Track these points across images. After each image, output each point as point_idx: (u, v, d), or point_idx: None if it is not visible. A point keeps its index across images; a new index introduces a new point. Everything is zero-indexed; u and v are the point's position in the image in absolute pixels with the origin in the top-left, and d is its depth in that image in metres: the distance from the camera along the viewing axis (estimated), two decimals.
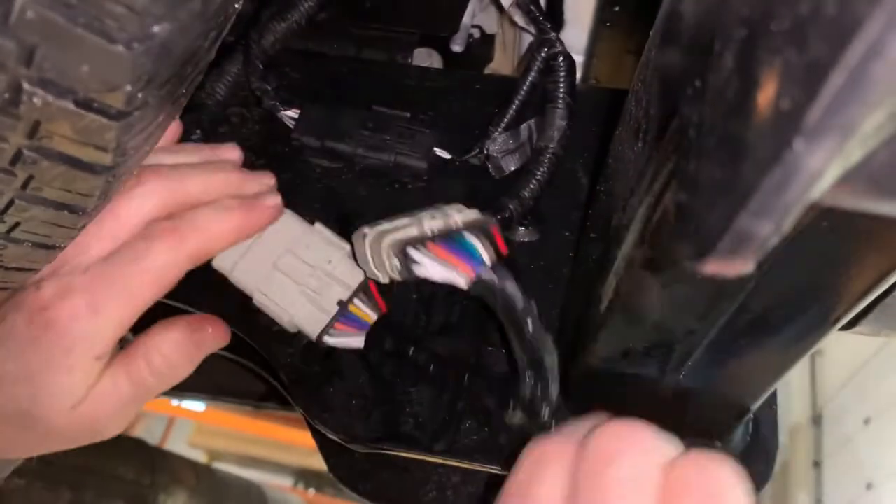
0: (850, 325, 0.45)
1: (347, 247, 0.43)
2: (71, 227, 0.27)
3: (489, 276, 0.38)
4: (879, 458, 2.06)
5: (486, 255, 0.38)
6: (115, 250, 0.36)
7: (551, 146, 0.45)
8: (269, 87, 0.50)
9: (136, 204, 0.36)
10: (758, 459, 0.42)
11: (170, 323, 0.39)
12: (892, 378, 2.02)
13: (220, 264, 0.42)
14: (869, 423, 2.21)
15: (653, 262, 0.26)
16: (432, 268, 0.38)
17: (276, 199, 0.42)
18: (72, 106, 0.20)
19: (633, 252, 0.27)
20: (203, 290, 0.43)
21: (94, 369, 0.36)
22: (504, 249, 0.39)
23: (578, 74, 0.62)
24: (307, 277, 0.42)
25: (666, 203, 0.21)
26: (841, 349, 2.30)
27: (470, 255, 0.38)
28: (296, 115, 0.49)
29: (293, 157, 0.49)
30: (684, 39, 0.20)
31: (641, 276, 0.28)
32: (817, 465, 2.45)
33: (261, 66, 0.50)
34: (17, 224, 0.25)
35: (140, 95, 0.21)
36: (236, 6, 0.24)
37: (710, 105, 0.16)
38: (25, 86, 0.18)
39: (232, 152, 0.44)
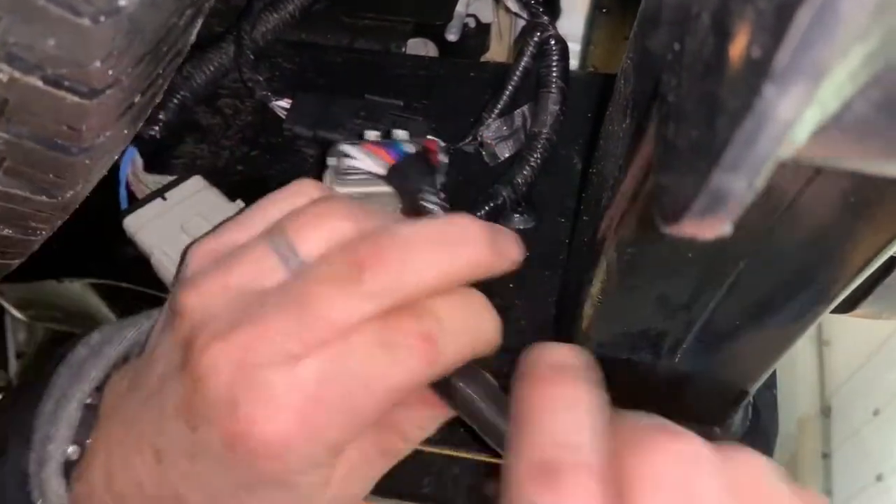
0: (849, 308, 0.44)
1: None
2: (51, 214, 0.26)
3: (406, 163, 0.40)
4: (889, 450, 2.04)
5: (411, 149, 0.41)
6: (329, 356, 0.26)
7: (544, 131, 0.45)
8: (260, 78, 0.49)
9: (354, 304, 0.25)
10: (758, 443, 0.42)
11: (426, 397, 0.30)
12: None
13: (128, 223, 0.41)
14: (878, 415, 2.20)
15: (638, 235, 0.25)
16: (359, 156, 0.40)
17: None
18: (40, 83, 0.19)
19: (620, 228, 0.27)
20: None
21: (328, 471, 0.28)
22: (436, 162, 0.42)
23: (575, 61, 0.62)
24: None
25: (649, 172, 0.20)
26: (849, 340, 2.28)
27: (397, 149, 0.41)
28: (288, 106, 0.48)
29: (285, 147, 0.49)
30: (666, 7, 0.20)
31: (630, 251, 0.28)
32: (826, 456, 2.44)
33: (252, 57, 0.50)
34: None
35: (111, 73, 0.20)
36: None
37: (687, 67, 0.16)
38: None
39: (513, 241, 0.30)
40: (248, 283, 0.27)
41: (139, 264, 0.41)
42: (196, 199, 0.42)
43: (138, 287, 0.47)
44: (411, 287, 0.26)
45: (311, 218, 0.28)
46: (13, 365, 0.92)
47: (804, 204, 0.22)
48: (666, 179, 0.16)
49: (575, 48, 0.62)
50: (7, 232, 0.27)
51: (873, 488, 2.14)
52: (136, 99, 0.24)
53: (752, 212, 0.18)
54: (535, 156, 0.45)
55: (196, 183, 0.43)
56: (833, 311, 0.44)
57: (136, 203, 0.42)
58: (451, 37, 0.59)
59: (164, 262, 0.40)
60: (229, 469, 0.26)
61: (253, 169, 0.49)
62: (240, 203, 0.42)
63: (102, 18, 0.18)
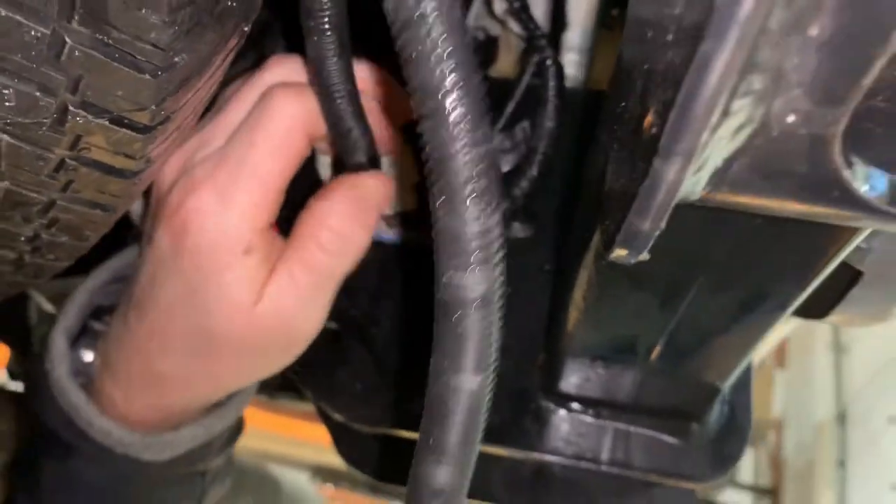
0: (822, 315, 0.48)
1: None
2: (102, 224, 0.31)
3: None
4: None
5: None
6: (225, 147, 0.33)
7: (541, 147, 0.49)
8: None
9: (258, 83, 0.35)
10: (732, 438, 0.45)
11: (327, 191, 0.35)
12: None
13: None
14: (894, 422, 2.20)
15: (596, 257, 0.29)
16: None
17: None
18: (107, 123, 0.24)
19: (595, 243, 0.31)
20: None
21: (253, 264, 0.33)
22: None
23: (580, 77, 0.66)
24: None
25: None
26: (866, 347, 2.29)
27: None
28: None
29: None
30: (621, 73, 0.24)
31: (604, 264, 0.32)
32: (842, 464, 2.45)
33: None
34: (56, 220, 0.29)
35: (162, 113, 0.25)
36: (245, 29, 0.28)
37: (623, 126, 0.20)
38: (71, 108, 0.23)
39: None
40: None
41: None
42: None
43: None
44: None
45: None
46: None
47: (742, 230, 0.26)
48: (604, 215, 0.20)
49: (577, 60, 0.66)
50: (63, 239, 0.31)
51: (889, 497, 2.14)
52: (180, 128, 0.28)
53: (691, 240, 0.22)
54: (533, 169, 0.49)
55: None
56: (807, 317, 0.47)
57: None
58: None
59: None
60: (177, 254, 0.32)
61: None
62: None
63: (160, 73, 0.23)
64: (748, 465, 2.91)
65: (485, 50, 0.69)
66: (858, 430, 2.48)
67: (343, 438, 0.54)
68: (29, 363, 0.42)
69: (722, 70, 0.12)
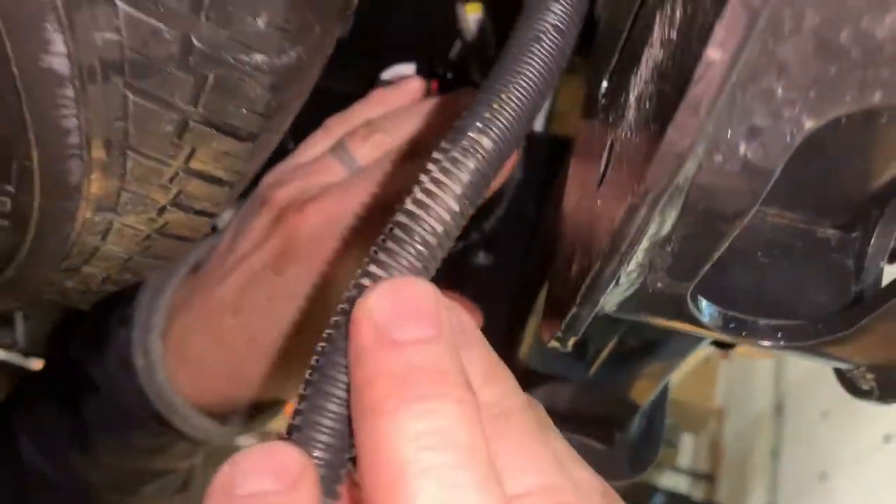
0: (730, 346, 0.58)
1: None
2: (202, 228, 0.35)
3: None
4: (834, 451, 2.20)
5: None
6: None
7: (508, 193, 0.57)
8: None
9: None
10: (648, 445, 0.55)
11: None
12: None
13: None
14: (827, 416, 2.35)
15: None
16: None
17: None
18: (218, 133, 0.27)
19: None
20: None
21: None
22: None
23: (541, 121, 0.74)
24: None
25: None
26: None
27: None
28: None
29: None
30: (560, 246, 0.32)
31: None
32: (776, 453, 2.60)
33: None
34: (165, 223, 0.33)
35: (265, 124, 0.29)
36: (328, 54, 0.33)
37: (559, 273, 0.28)
38: (191, 123, 0.26)
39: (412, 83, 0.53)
40: (320, 180, 0.43)
41: None
42: None
43: None
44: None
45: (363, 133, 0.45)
46: (20, 325, 1.00)
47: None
48: (544, 313, 0.28)
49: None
50: (172, 239, 0.35)
51: (817, 487, 2.28)
52: (274, 139, 0.33)
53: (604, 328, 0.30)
54: (500, 210, 0.57)
55: None
56: (717, 347, 0.57)
57: None
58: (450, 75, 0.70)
59: None
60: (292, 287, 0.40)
61: None
62: None
63: (267, 79, 0.27)
64: (688, 451, 3.07)
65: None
66: (793, 422, 2.64)
67: None
68: (83, 342, 0.48)
69: (611, 272, 0.21)
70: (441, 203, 0.23)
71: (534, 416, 0.23)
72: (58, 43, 0.20)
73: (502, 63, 0.25)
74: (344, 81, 0.68)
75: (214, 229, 0.50)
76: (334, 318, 0.22)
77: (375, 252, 0.23)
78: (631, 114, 0.22)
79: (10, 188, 0.26)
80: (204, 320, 0.43)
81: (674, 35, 0.18)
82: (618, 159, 0.23)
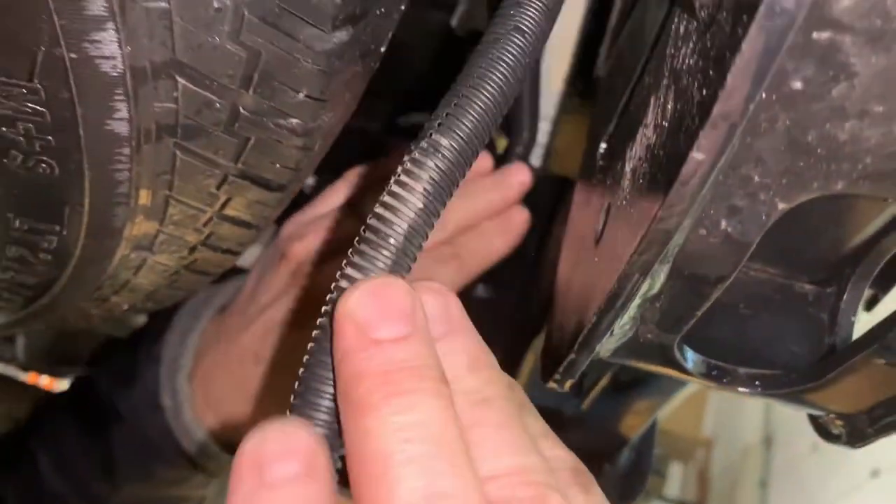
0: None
1: None
2: (226, 264, 0.38)
3: None
4: (822, 484, 2.21)
5: None
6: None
7: None
8: None
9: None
10: (637, 477, 0.57)
11: None
12: None
13: None
14: (816, 449, 2.36)
15: None
16: None
17: (525, 215, 0.53)
18: (253, 185, 0.30)
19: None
20: None
21: None
22: None
23: (538, 161, 0.76)
24: None
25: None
26: None
27: None
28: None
29: None
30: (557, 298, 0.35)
31: None
32: (764, 484, 2.61)
33: None
34: (194, 261, 0.35)
35: (295, 176, 0.31)
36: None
37: (556, 327, 0.31)
38: (230, 177, 0.29)
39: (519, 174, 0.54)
40: (337, 235, 0.46)
41: None
42: None
43: None
44: (451, 226, 0.46)
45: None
46: (20, 341, 1.01)
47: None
48: (544, 353, 0.31)
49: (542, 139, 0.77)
50: (200, 274, 0.38)
51: None
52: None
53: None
54: None
55: None
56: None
57: None
58: None
59: None
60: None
61: None
62: None
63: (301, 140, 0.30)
64: (676, 480, 3.07)
65: None
66: (782, 454, 2.64)
67: None
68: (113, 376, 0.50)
69: (606, 324, 0.23)
70: (406, 203, 0.25)
71: (514, 399, 0.25)
72: (122, 111, 0.23)
73: (466, 68, 0.27)
74: (363, 118, 0.71)
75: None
76: (319, 320, 0.25)
77: (351, 255, 0.24)
78: (626, 184, 0.25)
79: (58, 228, 0.29)
80: (228, 366, 0.46)
81: (665, 124, 0.21)
82: (614, 222, 0.26)
